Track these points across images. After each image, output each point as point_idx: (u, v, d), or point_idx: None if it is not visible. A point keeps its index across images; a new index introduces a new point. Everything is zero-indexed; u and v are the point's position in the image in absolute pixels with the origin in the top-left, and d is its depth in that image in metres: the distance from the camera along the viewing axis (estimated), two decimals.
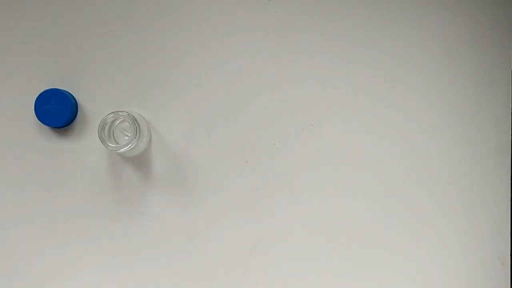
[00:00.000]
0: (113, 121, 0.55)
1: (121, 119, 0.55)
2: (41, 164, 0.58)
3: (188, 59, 0.58)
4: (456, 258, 0.58)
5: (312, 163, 0.58)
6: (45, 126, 0.58)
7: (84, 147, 0.58)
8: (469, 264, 0.58)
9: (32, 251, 0.59)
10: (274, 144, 0.58)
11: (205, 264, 0.58)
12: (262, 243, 0.58)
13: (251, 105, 0.58)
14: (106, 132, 0.54)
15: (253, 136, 0.58)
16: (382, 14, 0.58)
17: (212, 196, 0.58)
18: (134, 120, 0.54)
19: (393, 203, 0.58)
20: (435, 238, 0.58)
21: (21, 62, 0.59)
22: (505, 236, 0.58)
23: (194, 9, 0.58)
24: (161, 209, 0.58)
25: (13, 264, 0.59)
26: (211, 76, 0.58)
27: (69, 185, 0.58)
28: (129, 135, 0.54)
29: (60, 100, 0.57)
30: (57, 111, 0.57)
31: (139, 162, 0.58)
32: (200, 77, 0.58)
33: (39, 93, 0.57)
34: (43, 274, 0.59)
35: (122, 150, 0.54)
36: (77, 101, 0.58)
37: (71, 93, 0.58)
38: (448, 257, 0.58)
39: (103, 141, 0.54)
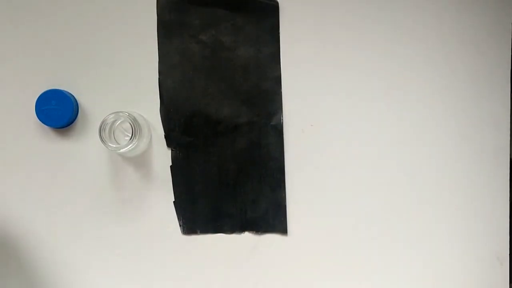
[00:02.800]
0: (114, 122, 0.55)
1: (122, 120, 0.55)
2: (42, 164, 0.58)
3: None
4: (455, 258, 0.58)
5: (312, 163, 0.58)
6: (46, 126, 0.58)
7: (84, 147, 0.58)
8: (468, 264, 0.58)
9: (32, 251, 0.59)
10: None
11: (205, 264, 0.59)
12: (262, 243, 0.59)
13: None
14: (107, 132, 0.55)
15: None
16: (382, 14, 0.58)
17: None
18: (135, 121, 0.54)
19: (392, 203, 0.58)
20: (434, 238, 0.58)
21: (22, 62, 0.59)
22: (503, 236, 0.58)
23: None
24: (161, 209, 0.58)
25: (13, 264, 0.59)
26: None
27: (69, 185, 0.58)
28: (130, 135, 0.54)
29: (61, 100, 0.57)
30: (58, 111, 0.57)
31: (140, 162, 0.58)
32: None
33: (40, 94, 0.57)
34: (43, 274, 0.59)
35: (122, 150, 0.54)
36: (77, 101, 0.58)
37: (72, 93, 0.58)
38: (447, 257, 0.58)
39: (103, 141, 0.54)
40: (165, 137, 0.58)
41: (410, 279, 0.58)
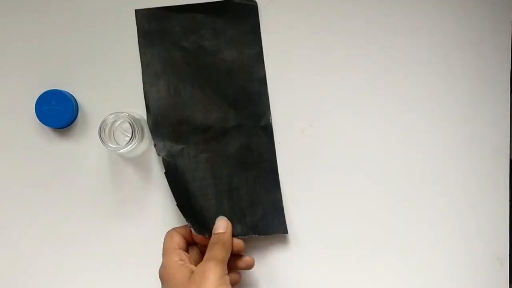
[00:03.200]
0: (114, 122, 0.55)
1: (122, 120, 0.55)
2: (42, 165, 0.58)
3: None
4: (455, 258, 0.58)
5: (312, 164, 0.58)
6: (45, 126, 0.58)
7: (84, 147, 0.58)
8: (468, 265, 0.58)
9: (32, 251, 0.59)
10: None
11: None
12: (262, 243, 0.58)
13: None
14: (107, 132, 0.55)
15: None
16: (381, 14, 0.58)
17: None
18: (134, 121, 0.54)
19: (392, 203, 0.58)
20: (433, 238, 0.58)
21: (22, 63, 0.59)
22: (504, 237, 0.58)
23: None
24: (161, 209, 0.58)
25: (12, 264, 0.59)
26: None
27: (69, 185, 0.58)
28: (129, 136, 0.54)
29: (61, 101, 0.57)
30: (58, 111, 0.57)
31: (139, 162, 0.58)
32: None
33: (40, 94, 0.57)
34: (43, 274, 0.59)
35: (122, 150, 0.54)
36: (77, 102, 0.58)
37: (72, 94, 0.58)
38: (447, 258, 0.58)
39: (103, 142, 0.54)
40: (154, 146, 0.57)
41: (410, 279, 0.58)
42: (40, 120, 0.57)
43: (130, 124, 0.54)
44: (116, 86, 0.58)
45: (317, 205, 0.58)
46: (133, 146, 0.54)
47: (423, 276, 0.58)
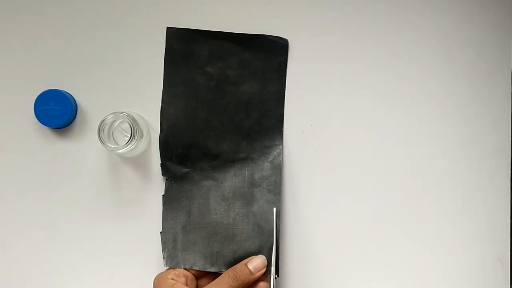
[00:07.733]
0: (113, 122, 0.55)
1: (121, 120, 0.55)
2: (41, 165, 0.58)
3: None
4: (456, 259, 0.58)
5: (312, 164, 0.58)
6: (44, 126, 0.58)
7: (83, 147, 0.58)
8: (468, 265, 0.58)
9: (32, 251, 0.59)
10: None
11: None
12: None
13: None
14: (106, 132, 0.55)
15: None
16: (382, 14, 0.58)
17: None
18: (134, 121, 0.54)
19: (392, 204, 0.58)
20: (434, 239, 0.58)
21: (21, 62, 0.59)
22: (504, 237, 0.58)
23: (193, 10, 0.58)
24: (160, 210, 0.58)
25: (12, 264, 0.59)
26: None
27: (68, 185, 0.58)
28: (129, 136, 0.54)
29: (60, 100, 0.57)
30: (57, 111, 0.57)
31: (139, 162, 0.58)
32: None
33: (38, 94, 0.57)
34: (42, 274, 0.59)
35: (121, 150, 0.54)
36: (76, 101, 0.58)
37: (71, 93, 0.58)
38: (448, 258, 0.58)
39: (102, 141, 0.54)
40: (161, 165, 0.57)
41: (411, 280, 0.58)
42: (39, 120, 0.57)
43: (129, 124, 0.54)
44: (115, 86, 0.58)
45: (317, 205, 0.58)
46: (132, 146, 0.54)
47: (423, 276, 0.58)
